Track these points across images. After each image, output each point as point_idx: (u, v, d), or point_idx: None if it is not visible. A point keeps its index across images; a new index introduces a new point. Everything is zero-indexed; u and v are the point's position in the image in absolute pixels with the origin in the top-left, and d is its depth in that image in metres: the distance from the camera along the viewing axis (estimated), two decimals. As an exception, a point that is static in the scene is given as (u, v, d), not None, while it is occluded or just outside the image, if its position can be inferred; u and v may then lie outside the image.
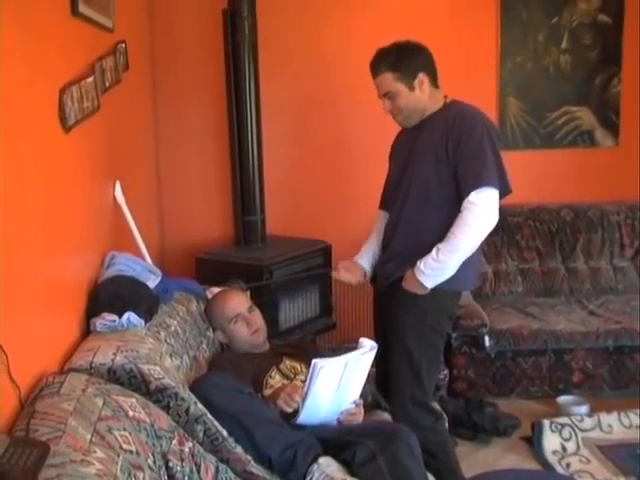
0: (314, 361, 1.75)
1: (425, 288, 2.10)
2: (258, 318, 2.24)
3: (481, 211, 2.05)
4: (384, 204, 2.41)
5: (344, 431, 1.87)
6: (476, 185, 2.04)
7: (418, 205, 2.17)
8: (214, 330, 2.26)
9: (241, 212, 3.36)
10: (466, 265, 2.10)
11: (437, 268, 2.07)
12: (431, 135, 2.15)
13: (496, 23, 3.65)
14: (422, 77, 2.15)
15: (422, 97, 2.17)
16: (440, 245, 2.06)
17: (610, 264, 3.69)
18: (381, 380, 2.25)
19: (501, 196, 2.11)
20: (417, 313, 2.16)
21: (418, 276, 2.09)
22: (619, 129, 3.81)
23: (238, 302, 2.26)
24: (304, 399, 1.80)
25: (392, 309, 2.21)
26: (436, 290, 2.11)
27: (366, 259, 2.39)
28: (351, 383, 1.88)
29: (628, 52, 3.73)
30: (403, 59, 2.14)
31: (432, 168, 2.13)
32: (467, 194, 2.05)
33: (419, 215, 2.17)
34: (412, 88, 2.15)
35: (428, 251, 2.08)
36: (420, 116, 2.20)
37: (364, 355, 1.86)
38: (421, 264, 2.08)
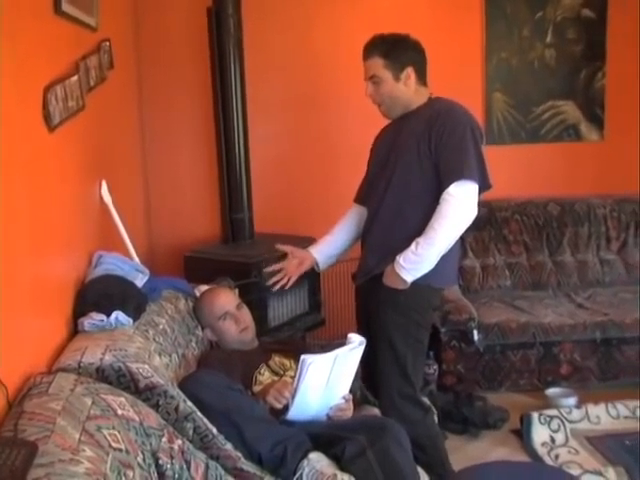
0: (302, 357, 1.75)
1: (405, 283, 2.10)
2: (246, 315, 2.24)
3: (459, 203, 2.05)
4: (360, 198, 2.40)
5: (334, 426, 1.87)
6: (457, 177, 2.06)
7: (398, 197, 2.18)
8: (203, 328, 2.26)
9: (229, 210, 3.35)
10: (445, 261, 2.11)
11: (417, 262, 2.07)
12: (415, 128, 2.16)
13: (481, 19, 3.67)
14: (410, 71, 2.17)
15: (406, 90, 2.19)
16: (419, 239, 2.07)
17: (597, 257, 3.73)
18: (367, 375, 2.25)
19: (481, 191, 2.11)
20: (401, 311, 2.16)
21: (398, 271, 2.09)
22: (604, 123, 3.84)
23: (226, 300, 2.25)
24: (293, 395, 1.80)
25: (375, 306, 2.21)
26: (417, 285, 2.11)
27: (319, 249, 2.38)
28: (340, 378, 1.88)
29: (612, 46, 3.76)
30: (396, 49, 2.17)
31: (414, 160, 2.14)
32: (447, 186, 2.06)
33: (398, 207, 2.18)
34: (398, 79, 2.17)
35: (407, 245, 2.08)
36: (403, 109, 2.22)
37: (353, 350, 1.86)
38: (400, 258, 2.09)
